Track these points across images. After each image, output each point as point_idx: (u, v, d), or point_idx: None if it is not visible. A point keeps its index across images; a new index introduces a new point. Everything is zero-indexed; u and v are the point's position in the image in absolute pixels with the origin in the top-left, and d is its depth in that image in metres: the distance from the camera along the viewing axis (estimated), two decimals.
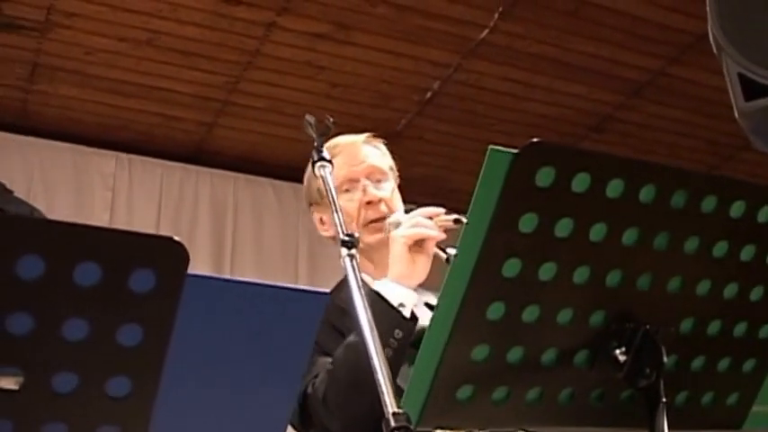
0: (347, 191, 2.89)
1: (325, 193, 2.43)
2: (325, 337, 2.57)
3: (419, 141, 6.85)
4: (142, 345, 1.43)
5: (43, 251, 1.34)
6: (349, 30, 5.80)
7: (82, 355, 1.41)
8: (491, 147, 1.57)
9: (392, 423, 1.63)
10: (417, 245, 2.62)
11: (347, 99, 6.36)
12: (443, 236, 2.61)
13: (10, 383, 1.39)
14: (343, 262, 2.08)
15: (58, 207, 6.41)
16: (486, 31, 5.87)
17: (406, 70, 6.18)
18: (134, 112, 6.53)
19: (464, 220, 2.47)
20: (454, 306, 1.65)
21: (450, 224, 2.61)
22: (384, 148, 3.07)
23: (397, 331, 2.48)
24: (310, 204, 3.04)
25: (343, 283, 2.75)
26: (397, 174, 3.03)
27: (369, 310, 1.94)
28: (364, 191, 2.88)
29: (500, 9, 5.70)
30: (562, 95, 6.49)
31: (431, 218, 2.65)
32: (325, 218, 2.97)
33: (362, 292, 1.98)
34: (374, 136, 3.07)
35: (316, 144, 2.41)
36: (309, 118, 2.47)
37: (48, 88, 6.14)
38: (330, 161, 2.41)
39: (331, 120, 2.44)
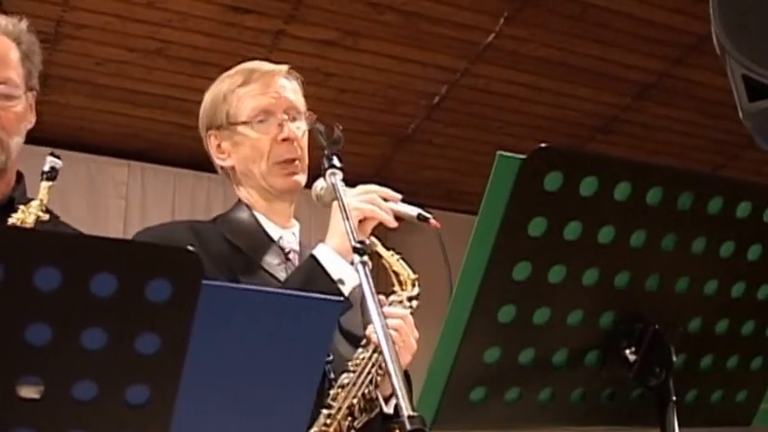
0: (261, 122, 2.70)
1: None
2: (217, 276, 2.44)
3: (428, 145, 6.87)
4: (160, 353, 1.45)
5: (59, 264, 1.36)
6: (356, 36, 5.82)
7: (101, 363, 1.43)
8: (499, 153, 1.59)
9: (408, 426, 1.65)
10: (363, 221, 2.47)
11: (356, 105, 6.39)
12: (395, 224, 2.49)
13: (31, 392, 1.41)
14: (356, 269, 2.06)
15: (73, 216, 6.40)
16: (493, 35, 5.89)
17: (414, 75, 6.20)
18: (145, 120, 6.56)
19: (430, 217, 2.43)
20: (466, 309, 1.66)
21: (412, 217, 2.47)
22: (299, 87, 2.84)
23: None
24: (209, 128, 2.81)
25: (230, 213, 2.74)
26: (311, 115, 2.76)
27: (382, 317, 1.92)
28: (281, 126, 2.69)
29: (506, 14, 5.72)
30: (568, 98, 6.51)
31: (386, 199, 2.51)
32: (224, 145, 2.78)
33: (376, 299, 1.97)
34: (290, 69, 2.85)
35: (326, 152, 2.40)
36: (320, 126, 2.46)
37: (59, 99, 6.16)
38: (342, 168, 2.38)
39: (340, 128, 2.43)
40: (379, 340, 1.86)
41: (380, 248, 2.56)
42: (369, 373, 2.41)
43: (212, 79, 6.26)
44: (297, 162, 2.69)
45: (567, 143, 6.88)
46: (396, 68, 6.12)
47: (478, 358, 1.71)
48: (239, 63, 6.11)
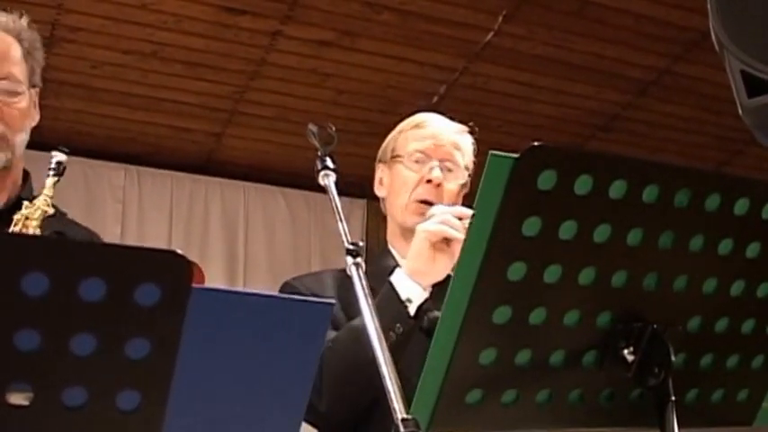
0: (416, 162, 2.83)
1: (389, 155, 2.58)
2: (341, 314, 2.57)
3: None
4: (150, 358, 1.43)
5: (47, 269, 1.34)
6: (354, 36, 5.82)
7: (90, 369, 1.42)
8: (491, 152, 1.58)
9: (401, 429, 1.64)
10: (443, 243, 2.56)
11: (354, 105, 6.38)
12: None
13: (20, 399, 1.40)
14: (349, 271, 2.08)
15: None
16: (491, 34, 5.88)
17: (412, 75, 6.20)
18: (142, 124, 6.56)
19: None
20: (460, 311, 1.65)
21: None
22: (469, 147, 2.97)
23: (398, 325, 2.44)
24: (378, 161, 2.98)
25: (377, 254, 2.81)
26: (468, 176, 2.93)
27: (377, 318, 1.93)
28: (430, 169, 2.81)
29: (504, 12, 5.71)
30: (568, 96, 6.50)
31: (461, 218, 2.57)
32: (385, 179, 2.92)
33: (369, 301, 1.98)
34: (470, 132, 2.99)
35: (319, 153, 2.40)
36: (312, 127, 2.46)
37: (55, 102, 6.16)
38: (335, 170, 2.38)
39: (333, 128, 2.43)
40: (372, 343, 1.86)
41: None
42: None
43: (209, 81, 6.27)
44: (430, 204, 2.77)
45: (568, 142, 6.87)
46: (394, 68, 6.12)
47: (474, 360, 1.69)
48: (235, 64, 6.12)
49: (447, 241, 2.56)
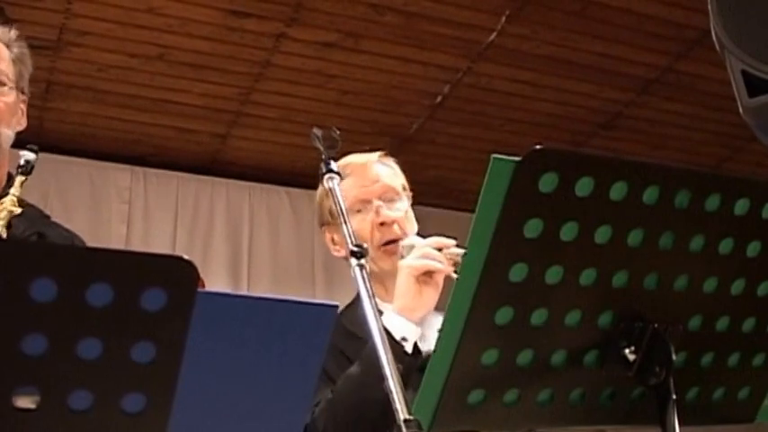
0: (359, 211, 2.81)
1: (335, 210, 2.40)
2: (331, 363, 2.53)
3: (430, 145, 6.86)
4: (155, 362, 1.44)
5: (55, 275, 1.36)
6: (358, 38, 5.82)
7: (96, 373, 1.42)
8: (493, 156, 1.59)
9: (404, 430, 1.65)
10: (426, 276, 2.55)
11: (358, 106, 6.39)
12: (451, 269, 2.54)
13: (27, 403, 1.40)
14: (353, 272, 2.08)
15: (76, 222, 6.41)
16: (494, 34, 5.88)
17: (416, 76, 6.20)
18: (148, 125, 6.57)
19: None
20: (463, 312, 1.66)
21: (458, 259, 2.50)
22: (396, 167, 2.99)
23: (399, 366, 2.41)
24: (322, 225, 2.97)
25: (353, 305, 2.68)
26: (410, 193, 2.95)
27: (380, 320, 1.94)
28: (377, 212, 2.81)
29: (507, 12, 5.71)
30: (571, 95, 6.50)
31: (440, 249, 2.57)
32: (336, 238, 2.89)
33: (374, 302, 1.98)
34: (385, 154, 3.00)
35: (324, 157, 2.41)
36: (317, 131, 2.47)
37: (62, 105, 6.17)
38: (338, 173, 2.39)
39: (337, 131, 2.44)
40: (374, 343, 1.87)
41: None
42: None
43: (214, 83, 6.29)
44: (399, 242, 2.77)
45: (571, 140, 6.88)
46: (397, 69, 6.12)
47: (476, 360, 1.70)
48: (241, 67, 6.15)
49: (429, 273, 2.56)
